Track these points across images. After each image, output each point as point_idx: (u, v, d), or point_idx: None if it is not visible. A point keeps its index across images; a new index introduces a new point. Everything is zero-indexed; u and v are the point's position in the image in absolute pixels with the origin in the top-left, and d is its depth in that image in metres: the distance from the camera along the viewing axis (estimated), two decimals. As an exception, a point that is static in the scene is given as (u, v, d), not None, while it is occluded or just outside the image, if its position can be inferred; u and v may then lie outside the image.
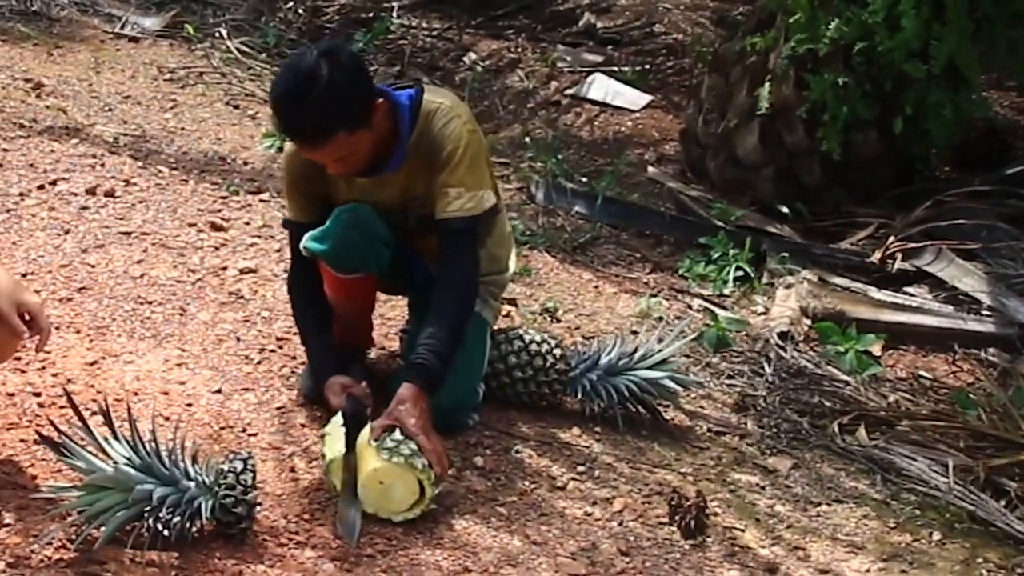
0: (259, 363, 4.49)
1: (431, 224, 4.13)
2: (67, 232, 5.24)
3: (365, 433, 3.81)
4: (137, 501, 3.31)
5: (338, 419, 3.84)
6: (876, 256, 6.32)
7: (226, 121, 7.37)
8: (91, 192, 5.66)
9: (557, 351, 4.47)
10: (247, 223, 5.65)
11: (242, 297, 4.94)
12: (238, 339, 4.63)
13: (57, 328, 4.43)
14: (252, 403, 4.23)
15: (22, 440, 3.75)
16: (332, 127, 3.77)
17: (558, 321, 5.37)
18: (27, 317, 3.40)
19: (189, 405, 4.14)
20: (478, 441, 4.24)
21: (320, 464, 3.83)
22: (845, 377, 5.18)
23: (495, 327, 4.49)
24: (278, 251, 5.31)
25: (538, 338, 4.50)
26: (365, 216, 4.09)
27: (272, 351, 4.57)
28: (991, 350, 5.66)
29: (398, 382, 3.93)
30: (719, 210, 6.77)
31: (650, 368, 4.52)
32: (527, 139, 7.68)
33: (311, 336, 4.23)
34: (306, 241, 4.11)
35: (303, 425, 4.15)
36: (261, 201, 5.95)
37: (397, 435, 3.76)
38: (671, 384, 4.55)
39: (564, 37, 9.55)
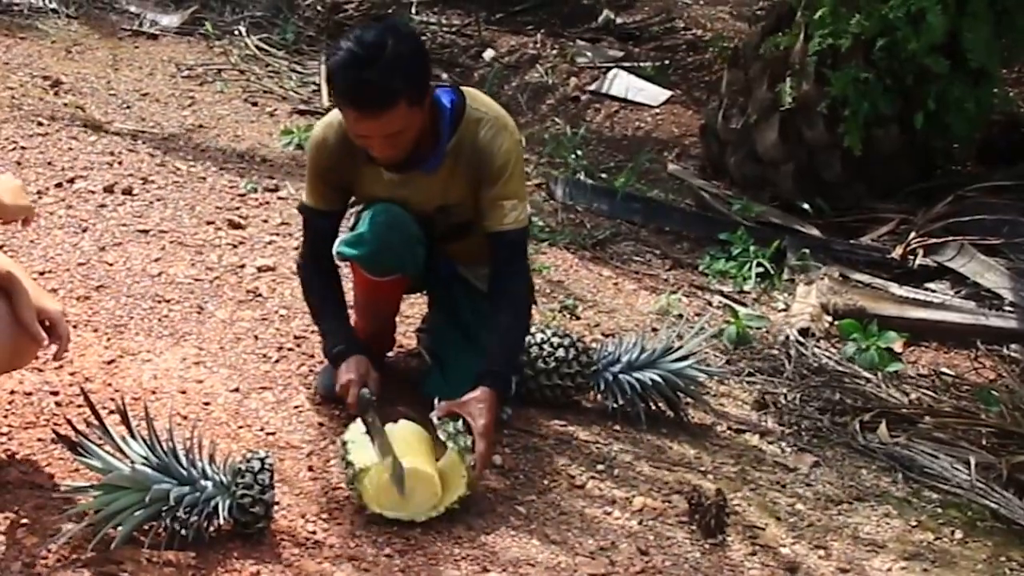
0: (277, 362, 4.48)
1: (461, 231, 4.20)
2: (85, 230, 5.23)
3: (397, 430, 3.83)
4: (154, 501, 3.31)
5: (359, 426, 3.83)
6: (897, 252, 6.28)
7: (244, 118, 7.35)
8: (109, 190, 5.65)
9: (580, 344, 4.48)
10: (265, 221, 5.63)
11: (260, 295, 4.93)
12: (256, 337, 4.62)
13: (75, 327, 4.42)
14: (270, 402, 4.22)
15: (39, 439, 3.75)
16: (396, 94, 3.75)
17: (577, 318, 5.35)
18: (47, 324, 3.40)
19: (207, 404, 4.13)
20: (497, 439, 4.21)
21: (340, 468, 3.79)
22: (866, 374, 5.16)
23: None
24: (296, 249, 5.28)
25: (560, 331, 4.52)
26: (400, 217, 4.08)
27: (290, 350, 4.56)
28: (1013, 346, 5.63)
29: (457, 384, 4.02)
30: (740, 206, 6.73)
31: (672, 363, 4.51)
32: (546, 135, 7.66)
33: (327, 315, 4.23)
34: (339, 246, 4.14)
35: (321, 424, 4.13)
36: (279, 199, 5.93)
37: (460, 425, 3.81)
38: (695, 372, 4.54)
39: (583, 32, 9.52)
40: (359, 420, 3.86)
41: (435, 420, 3.84)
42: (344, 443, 3.77)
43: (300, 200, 4.31)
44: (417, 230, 4.12)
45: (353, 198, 4.27)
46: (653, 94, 8.48)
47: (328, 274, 4.25)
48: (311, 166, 4.20)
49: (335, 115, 4.07)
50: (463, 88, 4.14)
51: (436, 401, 3.92)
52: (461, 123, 4.03)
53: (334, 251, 4.16)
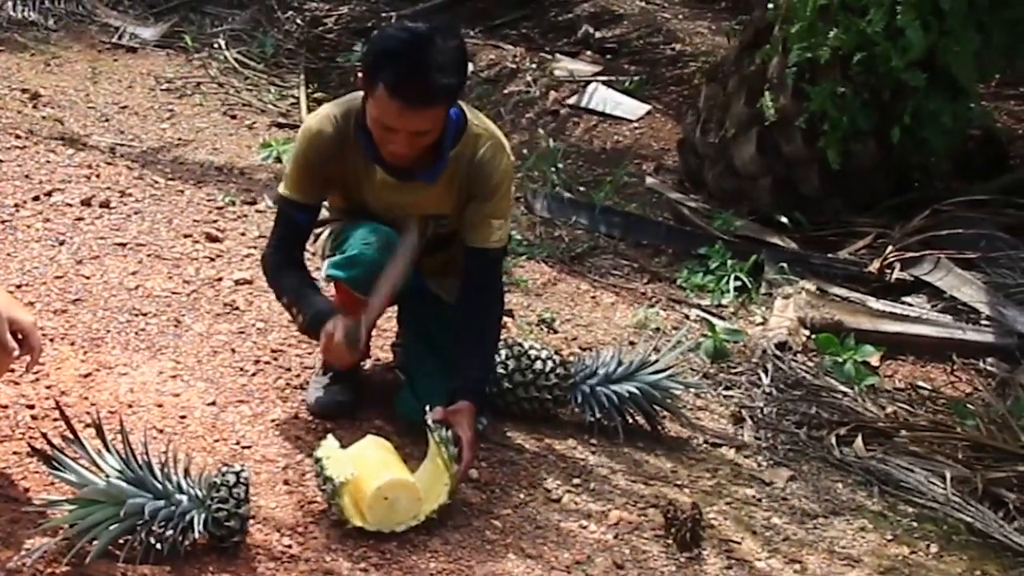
0: (254, 375, 4.48)
1: (442, 244, 4.22)
2: (62, 243, 5.23)
3: (366, 445, 3.85)
4: (129, 515, 3.31)
5: (331, 442, 3.83)
6: (874, 266, 6.29)
7: (223, 131, 7.36)
8: (86, 203, 5.65)
9: (556, 357, 4.48)
10: (243, 234, 5.63)
11: (237, 308, 4.93)
12: (233, 351, 4.61)
13: (51, 340, 4.43)
14: (246, 415, 4.22)
15: (15, 453, 3.75)
16: (443, 92, 3.80)
17: (555, 332, 5.35)
18: (19, 335, 3.39)
19: (183, 417, 4.13)
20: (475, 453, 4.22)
21: (318, 484, 3.78)
22: (843, 388, 5.15)
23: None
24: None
25: (537, 345, 4.52)
26: (390, 237, 4.07)
27: (267, 363, 4.56)
28: (990, 360, 5.64)
29: (449, 395, 4.02)
30: (721, 220, 6.74)
31: (649, 376, 4.51)
32: (525, 150, 7.66)
33: (306, 294, 4.11)
34: (329, 269, 4.11)
35: (297, 438, 4.13)
36: (257, 212, 5.93)
37: (450, 434, 3.84)
38: (672, 385, 4.55)
39: (563, 46, 9.54)
40: (331, 436, 3.88)
41: (430, 423, 3.86)
42: (318, 460, 3.76)
43: (277, 192, 4.25)
44: None
45: (325, 211, 4.27)
46: (632, 108, 8.50)
47: (296, 262, 4.17)
48: (300, 157, 4.09)
49: (331, 108, 4.08)
50: (460, 102, 4.13)
51: (427, 408, 3.92)
52: (463, 137, 4.05)
53: (323, 273, 4.16)
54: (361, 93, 3.92)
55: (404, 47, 3.77)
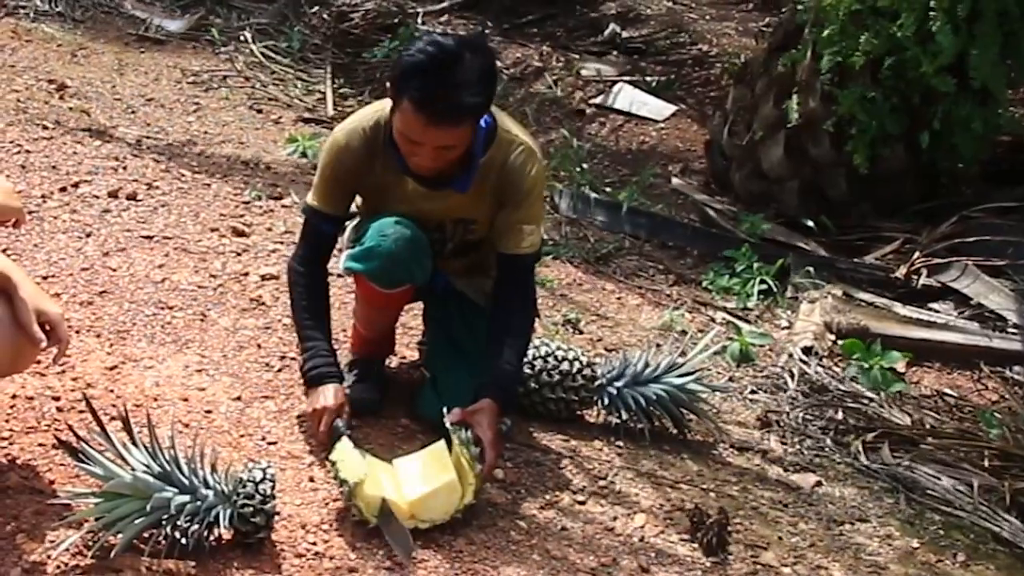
0: (279, 371, 4.46)
1: (469, 248, 4.22)
2: (88, 235, 5.22)
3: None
4: (155, 509, 3.30)
5: (345, 443, 3.82)
6: (901, 271, 6.27)
7: (249, 125, 7.34)
8: (113, 195, 5.64)
9: (584, 358, 4.47)
10: (269, 228, 5.62)
11: (263, 303, 4.92)
12: (259, 346, 4.60)
13: (77, 332, 4.42)
14: (272, 411, 4.21)
15: (40, 445, 3.74)
16: (468, 110, 3.79)
17: (580, 332, 5.34)
18: (46, 327, 3.38)
19: (208, 412, 4.12)
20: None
21: (336, 486, 3.78)
22: (869, 394, 5.14)
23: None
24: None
25: (564, 346, 4.51)
26: (408, 228, 4.04)
27: (293, 359, 4.53)
28: (1017, 368, 5.61)
29: (476, 394, 4.00)
30: (748, 223, 6.71)
31: (675, 379, 4.50)
32: (551, 149, 7.64)
33: (311, 328, 4.14)
34: (347, 262, 4.11)
35: (323, 434, 4.11)
36: (283, 207, 5.92)
37: (471, 434, 3.83)
38: (698, 387, 4.53)
39: (589, 46, 9.52)
40: (344, 438, 3.85)
41: (449, 425, 3.85)
42: (333, 463, 3.75)
43: (305, 202, 4.24)
44: (424, 239, 4.09)
45: (355, 207, 4.26)
46: (658, 108, 8.49)
47: (319, 282, 4.21)
48: (328, 168, 4.12)
49: (360, 119, 4.08)
50: (491, 108, 4.11)
51: (445, 410, 3.91)
52: (493, 143, 4.03)
53: (341, 267, 4.15)
54: (391, 101, 3.91)
55: (431, 63, 3.75)
